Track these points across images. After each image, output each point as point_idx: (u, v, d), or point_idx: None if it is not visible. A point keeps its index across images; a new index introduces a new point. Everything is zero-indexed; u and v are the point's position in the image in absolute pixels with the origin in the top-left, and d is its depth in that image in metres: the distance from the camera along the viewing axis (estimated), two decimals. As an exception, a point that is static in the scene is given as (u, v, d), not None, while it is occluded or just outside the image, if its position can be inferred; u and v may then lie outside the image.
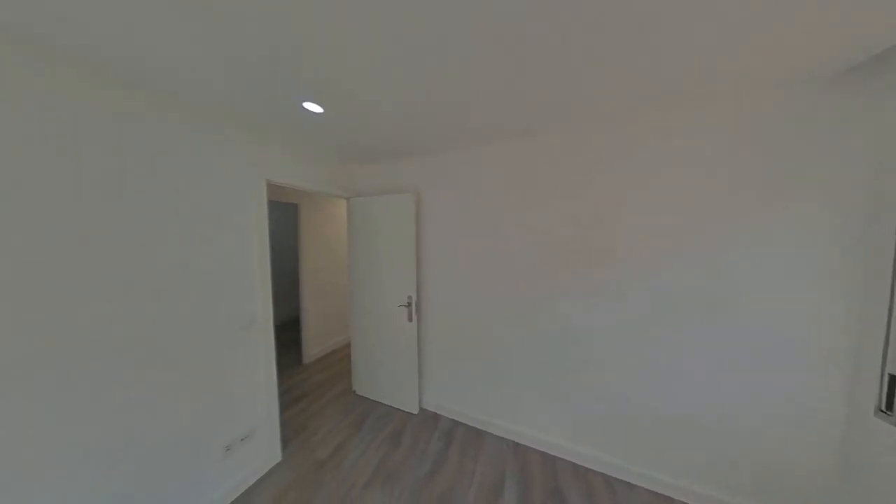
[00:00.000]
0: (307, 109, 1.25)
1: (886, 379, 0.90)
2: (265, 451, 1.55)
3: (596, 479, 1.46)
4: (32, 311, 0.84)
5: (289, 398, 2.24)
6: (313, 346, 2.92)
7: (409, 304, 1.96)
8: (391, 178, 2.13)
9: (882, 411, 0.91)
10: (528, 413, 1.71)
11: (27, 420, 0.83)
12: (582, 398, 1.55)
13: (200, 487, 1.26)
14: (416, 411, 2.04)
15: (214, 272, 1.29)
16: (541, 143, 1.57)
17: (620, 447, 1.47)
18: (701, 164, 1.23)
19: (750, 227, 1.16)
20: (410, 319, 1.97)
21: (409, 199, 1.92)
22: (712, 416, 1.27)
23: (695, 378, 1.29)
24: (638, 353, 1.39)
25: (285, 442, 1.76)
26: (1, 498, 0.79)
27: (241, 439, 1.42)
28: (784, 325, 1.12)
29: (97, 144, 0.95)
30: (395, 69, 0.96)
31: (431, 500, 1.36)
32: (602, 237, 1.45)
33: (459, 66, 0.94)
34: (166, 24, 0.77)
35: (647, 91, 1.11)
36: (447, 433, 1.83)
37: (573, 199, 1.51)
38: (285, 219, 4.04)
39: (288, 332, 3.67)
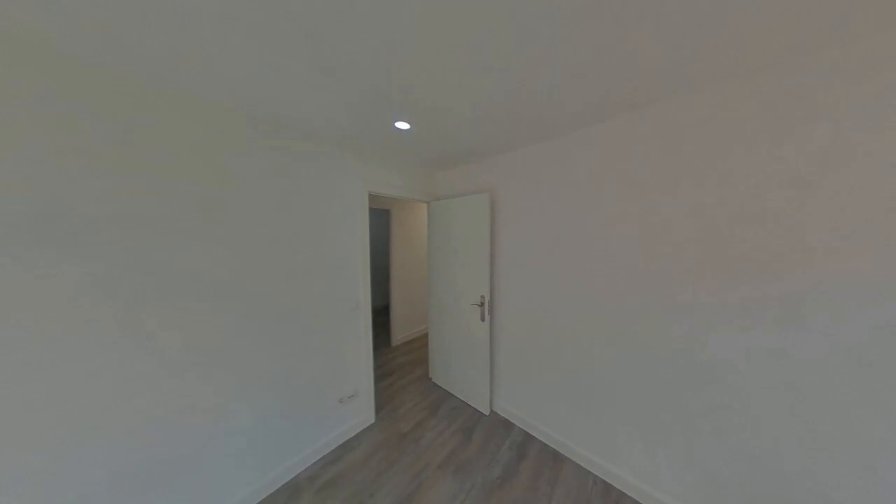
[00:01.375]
0: (398, 128, 1.46)
1: None
2: (364, 411, 1.91)
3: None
4: (250, 284, 1.33)
5: (380, 373, 2.67)
6: (399, 331, 3.36)
7: (482, 304, 1.97)
8: (468, 179, 2.20)
9: None
10: (625, 451, 1.41)
11: (244, 352, 1.33)
12: (715, 457, 1.16)
13: (326, 425, 1.69)
14: (486, 412, 2.03)
15: (334, 264, 1.69)
16: (648, 117, 1.27)
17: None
18: None
19: None
20: (483, 319, 1.98)
21: (483, 198, 1.93)
22: None
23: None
24: (852, 416, 0.92)
25: (378, 409, 2.10)
26: (239, 389, 1.31)
27: (350, 396, 1.80)
28: None
29: (279, 175, 1.43)
30: (473, 75, 0.99)
31: (501, 506, 1.33)
32: (753, 233, 1.03)
33: (545, 44, 0.88)
34: (316, 86, 1.06)
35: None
36: (519, 444, 1.74)
37: (698, 185, 1.15)
38: (380, 223, 4.83)
39: (380, 318, 4.37)
